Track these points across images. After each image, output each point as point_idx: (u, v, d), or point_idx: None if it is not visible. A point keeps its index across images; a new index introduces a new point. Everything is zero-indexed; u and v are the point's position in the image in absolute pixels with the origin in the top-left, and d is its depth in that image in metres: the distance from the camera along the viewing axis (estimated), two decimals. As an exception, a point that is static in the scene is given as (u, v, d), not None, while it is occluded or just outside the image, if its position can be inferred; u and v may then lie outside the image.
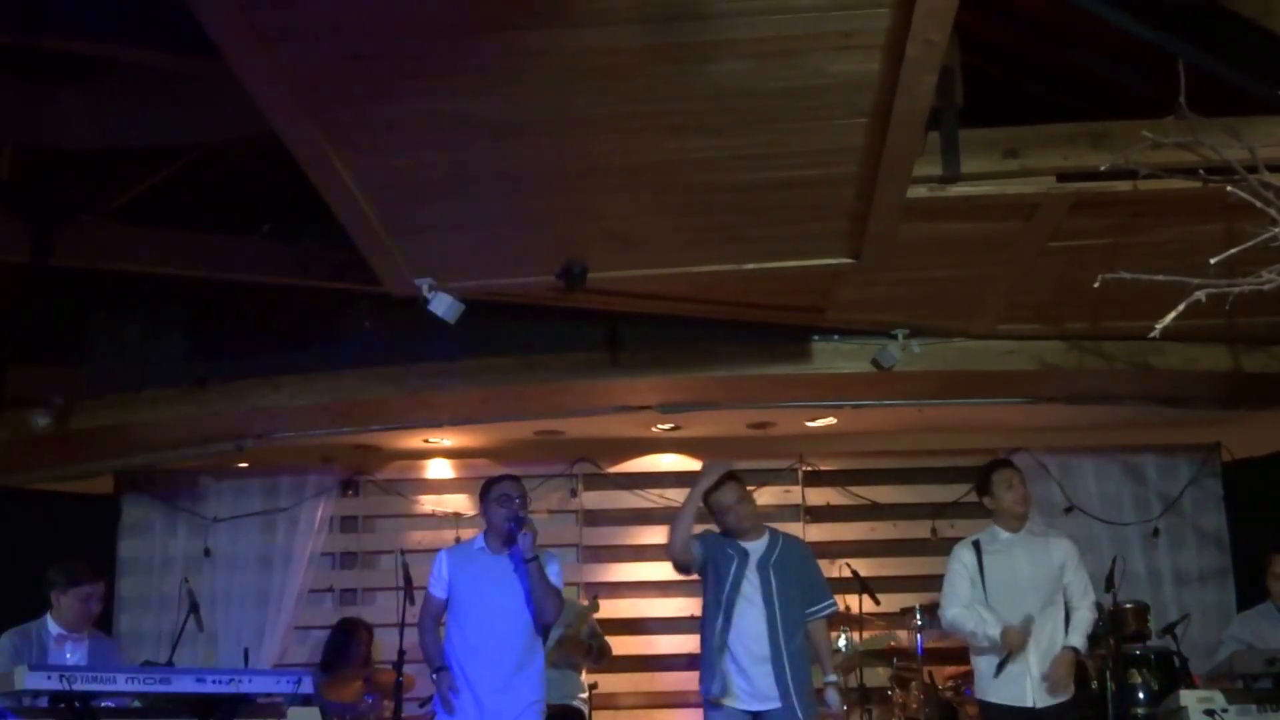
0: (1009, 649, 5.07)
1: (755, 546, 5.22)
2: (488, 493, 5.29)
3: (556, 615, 5.27)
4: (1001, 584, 5.24)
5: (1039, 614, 5.16)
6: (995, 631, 5.11)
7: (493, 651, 5.10)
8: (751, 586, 5.13)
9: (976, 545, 5.36)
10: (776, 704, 5.05)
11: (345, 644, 7.11)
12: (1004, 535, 5.32)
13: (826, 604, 5.29)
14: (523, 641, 5.15)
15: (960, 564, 5.35)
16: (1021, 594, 5.18)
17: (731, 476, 5.30)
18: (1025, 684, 5.12)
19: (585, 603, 6.71)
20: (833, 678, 5.24)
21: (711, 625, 5.16)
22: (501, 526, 5.14)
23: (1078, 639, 5.16)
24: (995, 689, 5.18)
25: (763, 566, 5.17)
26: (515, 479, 5.36)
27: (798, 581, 5.20)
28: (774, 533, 5.32)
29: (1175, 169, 4.38)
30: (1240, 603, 7.18)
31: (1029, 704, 5.11)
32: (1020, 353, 6.29)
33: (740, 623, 5.10)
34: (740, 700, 5.07)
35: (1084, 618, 5.21)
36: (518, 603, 5.14)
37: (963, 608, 5.28)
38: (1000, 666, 5.12)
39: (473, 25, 3.37)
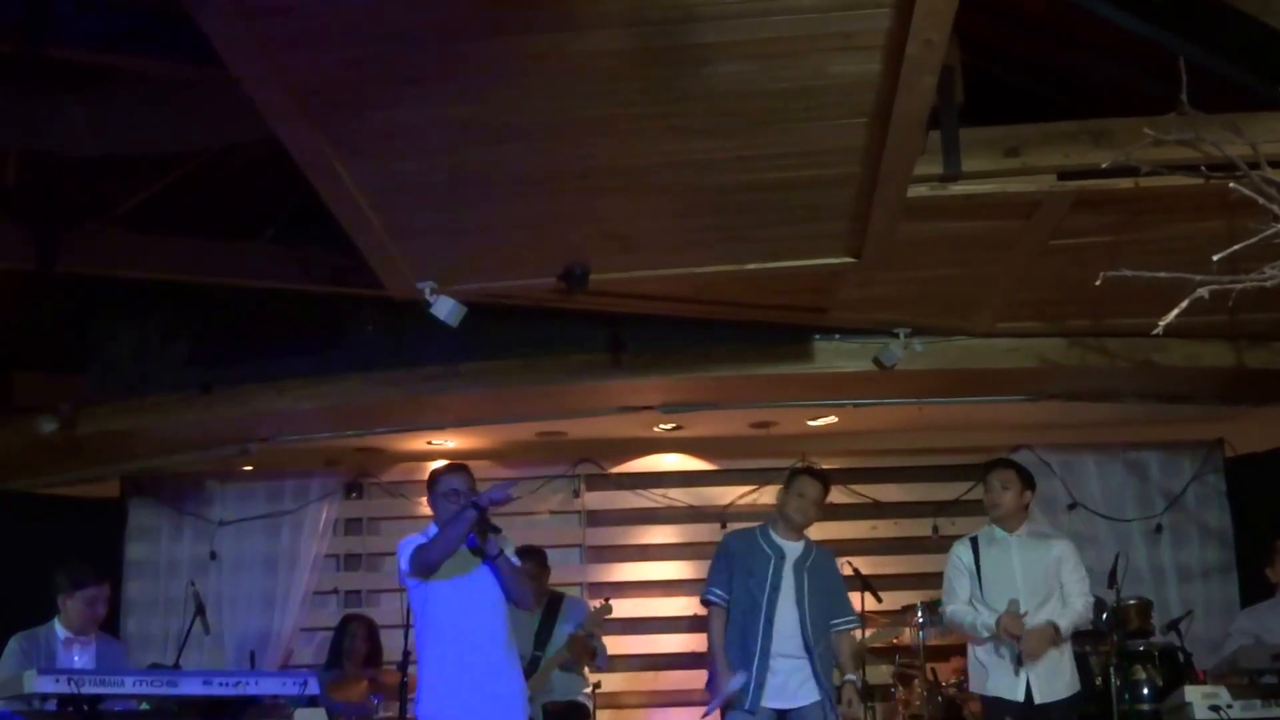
0: (1005, 635, 5.12)
1: (793, 547, 5.33)
2: (434, 486, 5.09)
3: (532, 600, 5.25)
4: (996, 581, 5.30)
5: (1032, 611, 5.19)
6: (991, 621, 5.17)
7: (477, 636, 4.97)
8: (789, 585, 5.23)
9: (974, 542, 5.44)
10: (811, 699, 5.14)
11: (339, 640, 7.09)
12: (1000, 534, 5.39)
13: (850, 619, 5.38)
14: (504, 623, 5.05)
15: (957, 560, 5.45)
16: (1015, 591, 5.23)
17: (823, 477, 5.47)
18: (1020, 678, 5.16)
19: (598, 605, 6.71)
20: (851, 676, 5.25)
21: (751, 626, 5.19)
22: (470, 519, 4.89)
23: (1064, 621, 5.19)
24: (991, 684, 5.24)
25: (798, 568, 5.28)
26: (462, 468, 5.14)
27: (826, 590, 5.31)
28: (809, 541, 5.42)
29: (1177, 166, 4.38)
30: (1244, 598, 7.18)
31: (1020, 698, 5.16)
32: (1022, 351, 6.29)
33: (779, 621, 5.19)
34: (769, 699, 5.13)
35: (1075, 606, 5.25)
36: (488, 585, 5.00)
37: (961, 604, 5.34)
38: (1012, 659, 5.17)
39: (472, 29, 3.38)
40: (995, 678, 5.23)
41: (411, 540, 5.04)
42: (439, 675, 5.01)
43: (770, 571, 5.23)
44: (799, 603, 5.20)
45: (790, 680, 5.14)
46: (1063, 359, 6.26)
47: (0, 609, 5.91)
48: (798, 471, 5.52)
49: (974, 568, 5.37)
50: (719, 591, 5.31)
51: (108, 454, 6.99)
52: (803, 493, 5.35)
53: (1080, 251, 5.18)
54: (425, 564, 4.91)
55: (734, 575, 5.29)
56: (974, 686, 5.41)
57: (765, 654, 5.14)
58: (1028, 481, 5.45)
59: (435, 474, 5.15)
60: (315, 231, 5.18)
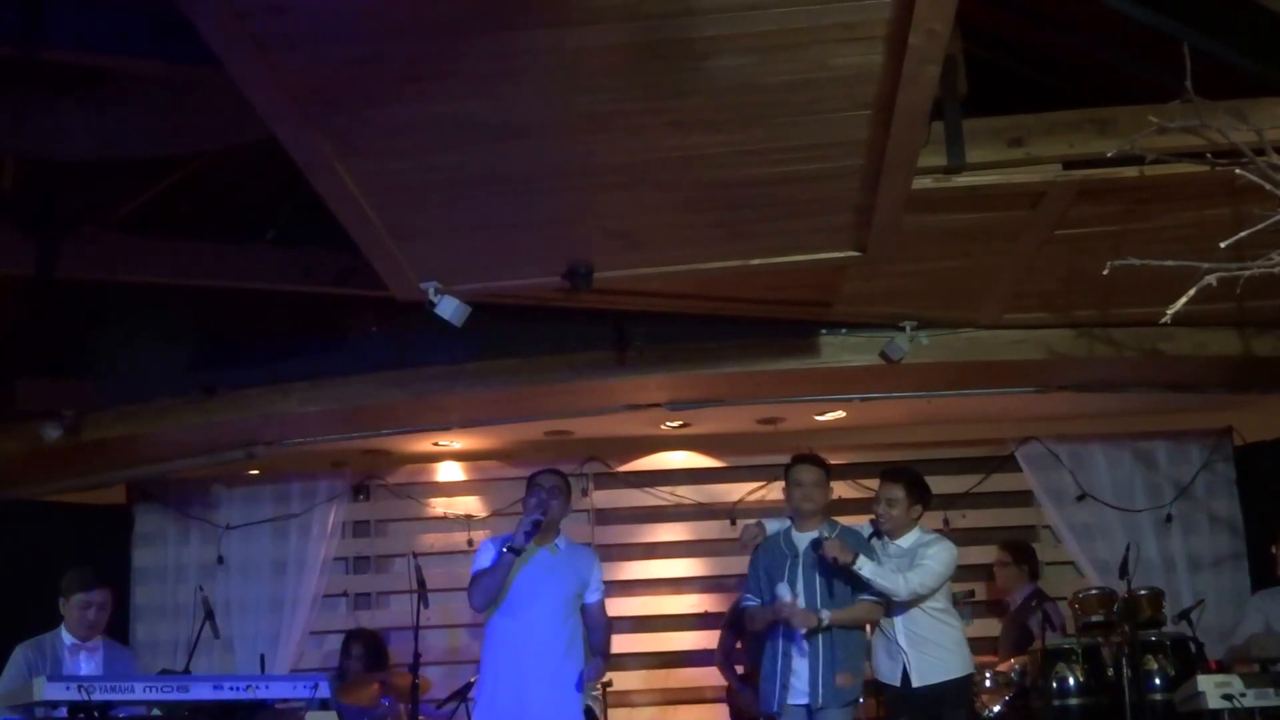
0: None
1: (804, 538, 5.38)
2: (530, 483, 5.40)
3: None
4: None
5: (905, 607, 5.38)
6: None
7: (539, 639, 5.12)
8: (800, 583, 5.29)
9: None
10: (805, 698, 5.19)
11: (342, 658, 7.12)
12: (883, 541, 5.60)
13: (870, 596, 5.33)
14: (567, 628, 5.17)
15: None
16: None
17: (816, 461, 5.52)
18: (897, 661, 5.38)
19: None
20: (824, 614, 5.20)
21: (774, 629, 5.30)
22: (525, 521, 5.17)
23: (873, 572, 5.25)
24: (876, 668, 5.51)
25: (807, 559, 5.33)
26: (553, 472, 5.46)
27: (840, 570, 5.28)
28: (833, 524, 5.44)
29: (1182, 153, 4.35)
30: (1255, 586, 7.15)
31: (898, 682, 5.37)
32: (1029, 342, 6.27)
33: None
34: (794, 697, 5.22)
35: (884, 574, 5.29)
36: (560, 590, 5.17)
37: None
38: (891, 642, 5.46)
39: (471, 26, 3.36)
40: (878, 662, 5.45)
41: (484, 548, 5.30)
42: (494, 683, 5.18)
43: (786, 572, 5.31)
44: (809, 594, 5.25)
45: (801, 679, 5.20)
46: (1070, 350, 6.24)
47: (8, 617, 5.91)
48: (790, 463, 5.57)
49: None
50: (750, 596, 5.51)
51: (113, 460, 6.98)
52: (799, 481, 5.42)
53: (1086, 241, 5.16)
54: (474, 606, 5.27)
55: (762, 582, 5.42)
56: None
57: (786, 654, 5.24)
58: (915, 495, 5.63)
59: (534, 474, 5.46)
60: (316, 233, 5.16)
